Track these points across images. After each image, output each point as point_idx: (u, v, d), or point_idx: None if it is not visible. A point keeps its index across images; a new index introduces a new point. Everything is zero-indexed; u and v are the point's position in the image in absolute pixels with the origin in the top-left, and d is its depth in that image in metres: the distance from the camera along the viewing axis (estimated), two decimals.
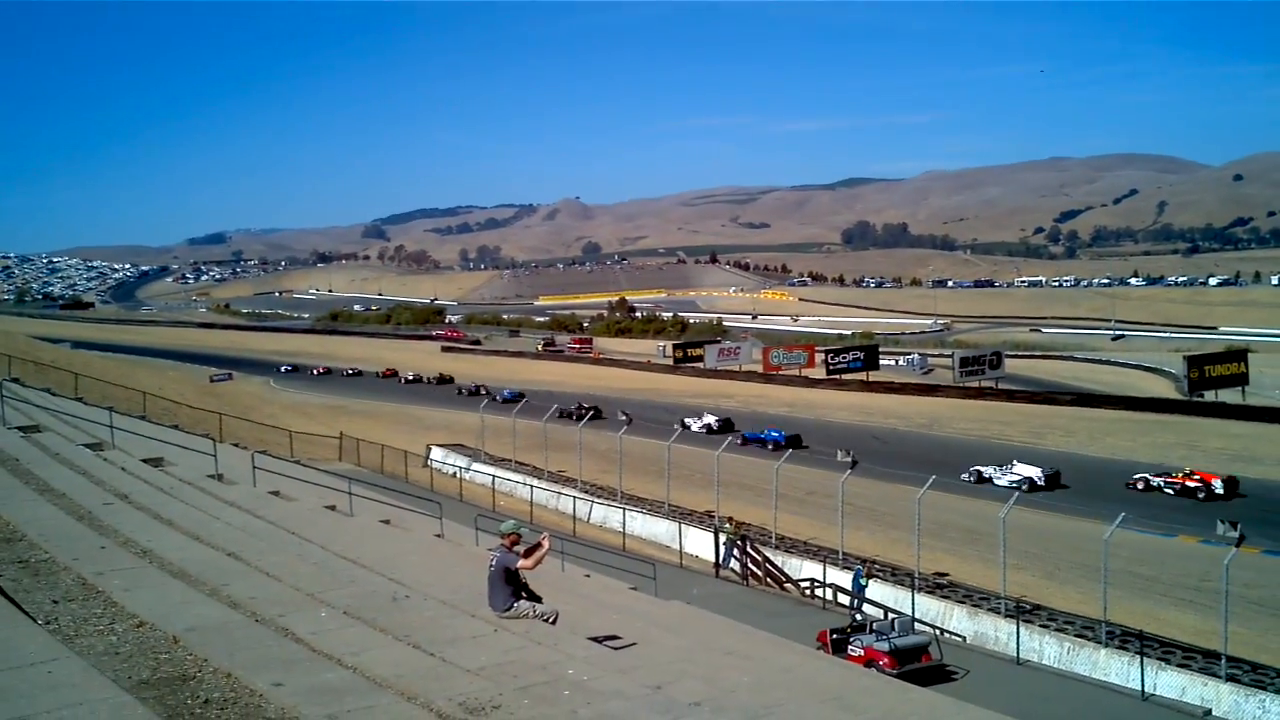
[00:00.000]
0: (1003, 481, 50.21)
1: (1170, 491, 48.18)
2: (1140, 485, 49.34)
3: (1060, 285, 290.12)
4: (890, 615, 26.79)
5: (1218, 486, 47.56)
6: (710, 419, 71.43)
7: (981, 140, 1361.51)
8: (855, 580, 31.20)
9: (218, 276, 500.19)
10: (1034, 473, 50.68)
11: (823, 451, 56.68)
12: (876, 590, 31.12)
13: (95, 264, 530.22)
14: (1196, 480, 48.39)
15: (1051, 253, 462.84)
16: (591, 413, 65.75)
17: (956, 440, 66.66)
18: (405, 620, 11.76)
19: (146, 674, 7.94)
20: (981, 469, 52.15)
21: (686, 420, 70.12)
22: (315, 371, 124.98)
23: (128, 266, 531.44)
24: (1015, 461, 52.91)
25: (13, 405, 28.95)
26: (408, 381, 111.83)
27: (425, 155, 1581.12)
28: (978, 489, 48.38)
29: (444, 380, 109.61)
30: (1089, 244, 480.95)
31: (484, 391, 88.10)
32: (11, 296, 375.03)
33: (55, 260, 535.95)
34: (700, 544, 38.41)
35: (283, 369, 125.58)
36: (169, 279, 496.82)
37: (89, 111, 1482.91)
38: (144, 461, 23.51)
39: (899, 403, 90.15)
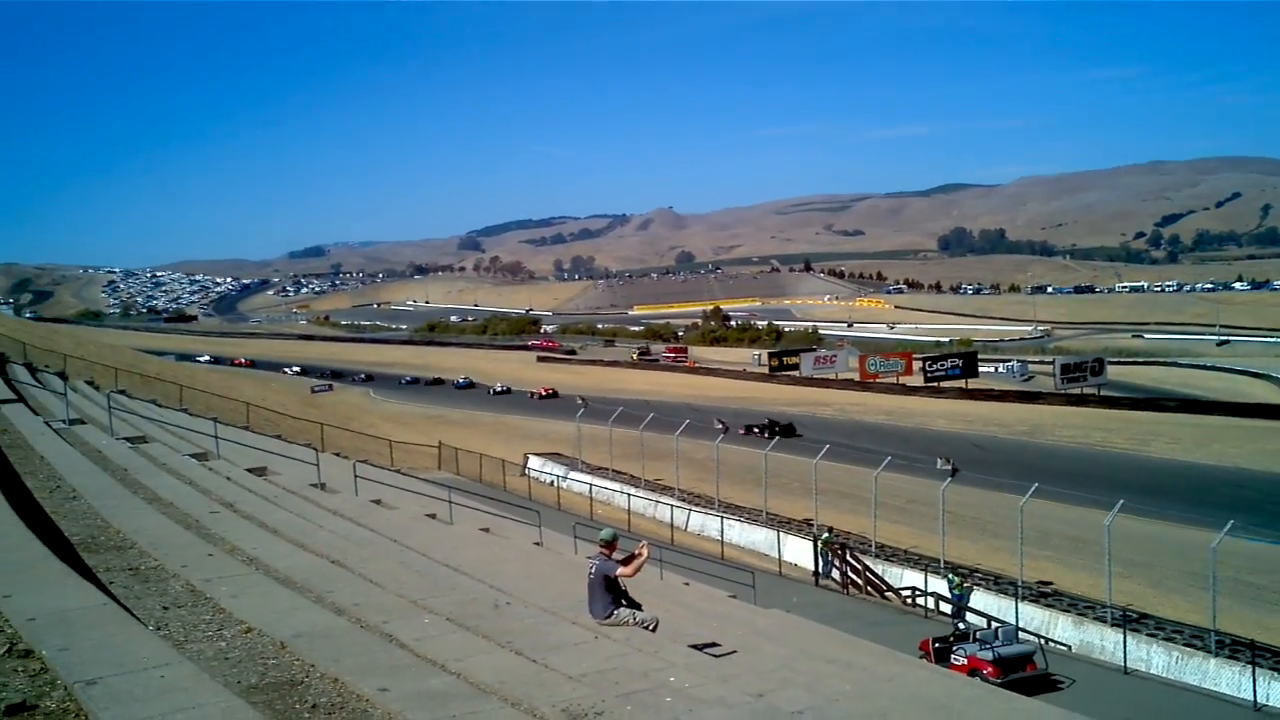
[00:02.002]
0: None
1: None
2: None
3: (1163, 290, 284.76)
4: (994, 624, 26.45)
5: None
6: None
7: (1080, 144, 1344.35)
8: (951, 592, 30.86)
9: (317, 289, 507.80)
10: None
11: (922, 460, 56.17)
12: (979, 599, 30.76)
13: (198, 278, 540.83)
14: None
15: (1153, 257, 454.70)
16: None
17: (1058, 448, 65.74)
18: (507, 627, 11.79)
19: (255, 679, 8.03)
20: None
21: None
22: (425, 382, 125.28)
23: (229, 280, 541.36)
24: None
25: (120, 416, 29.53)
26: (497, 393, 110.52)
27: (519, 167, 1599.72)
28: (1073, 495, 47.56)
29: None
30: (1191, 248, 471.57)
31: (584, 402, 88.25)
32: (117, 310, 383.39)
33: (159, 274, 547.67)
34: (799, 552, 38.21)
35: (404, 380, 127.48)
36: (270, 292, 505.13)
37: (193, 130, 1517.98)
38: (248, 471, 23.82)
39: (999, 410, 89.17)
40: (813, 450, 41.25)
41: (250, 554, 13.25)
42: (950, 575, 31.91)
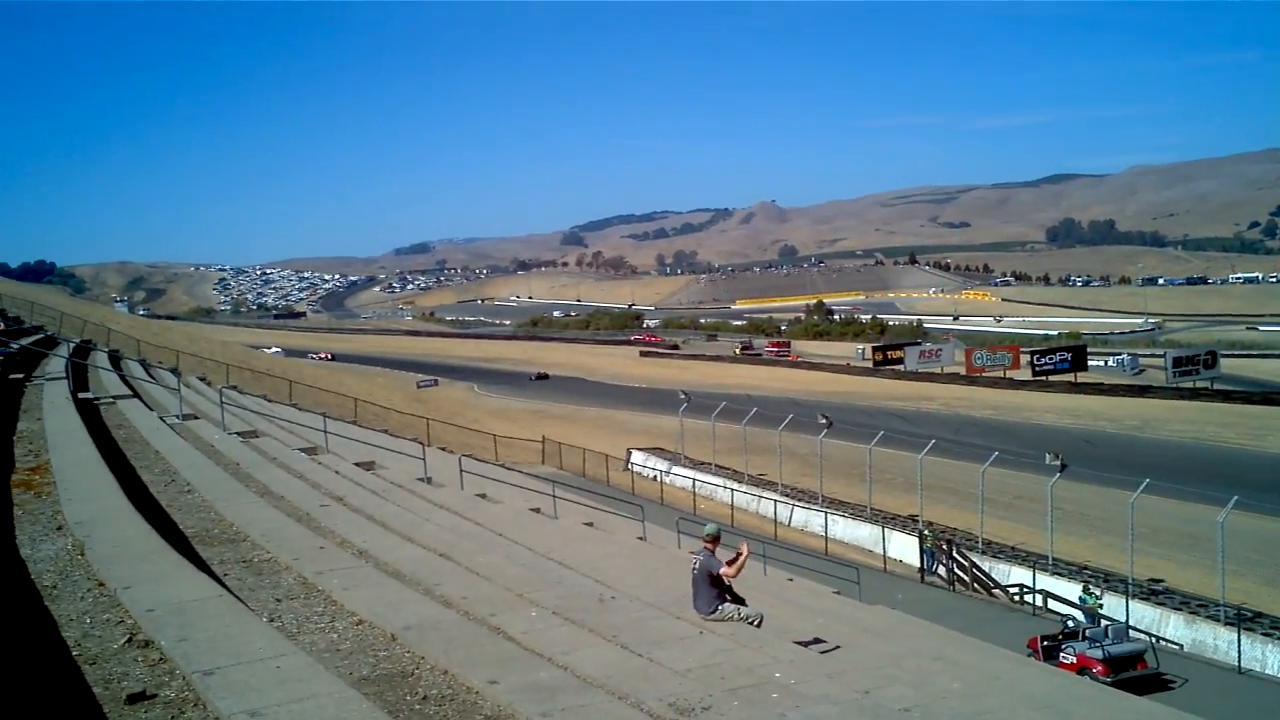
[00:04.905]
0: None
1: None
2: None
3: (1278, 281, 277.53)
4: (1104, 622, 26.01)
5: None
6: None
7: (1192, 132, 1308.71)
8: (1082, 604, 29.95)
9: (422, 285, 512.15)
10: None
11: (1030, 455, 55.34)
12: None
13: (306, 275, 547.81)
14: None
15: (1268, 247, 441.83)
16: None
17: (1170, 443, 64.41)
18: (612, 621, 11.83)
19: (367, 670, 8.15)
20: None
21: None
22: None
23: (337, 277, 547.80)
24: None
25: (232, 411, 30.12)
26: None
27: (622, 161, 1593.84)
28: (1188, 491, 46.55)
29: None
30: None
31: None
32: (228, 307, 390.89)
33: (268, 271, 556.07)
34: (904, 548, 37.93)
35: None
36: (376, 288, 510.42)
37: (302, 132, 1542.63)
38: (356, 465, 24.18)
39: (1109, 404, 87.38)
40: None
41: (360, 547, 13.45)
42: (1082, 595, 31.11)
